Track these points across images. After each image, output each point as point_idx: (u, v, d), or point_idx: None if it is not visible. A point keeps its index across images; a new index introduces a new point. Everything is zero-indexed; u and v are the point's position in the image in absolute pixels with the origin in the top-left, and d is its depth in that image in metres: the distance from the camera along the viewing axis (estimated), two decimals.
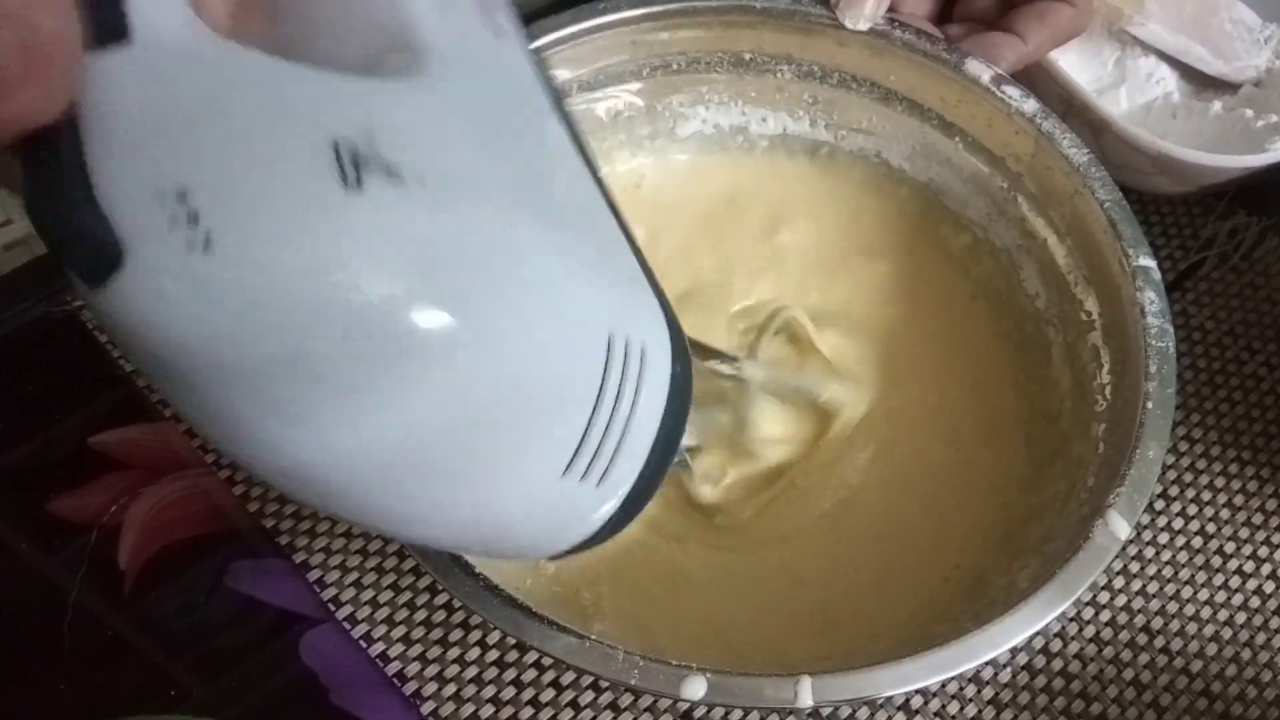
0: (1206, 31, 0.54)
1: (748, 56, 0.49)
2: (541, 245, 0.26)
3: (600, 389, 0.27)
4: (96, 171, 0.21)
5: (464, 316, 0.24)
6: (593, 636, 0.33)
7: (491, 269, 0.24)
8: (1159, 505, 0.47)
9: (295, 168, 0.22)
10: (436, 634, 0.42)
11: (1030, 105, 0.45)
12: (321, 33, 0.26)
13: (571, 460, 0.28)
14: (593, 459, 0.28)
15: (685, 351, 0.31)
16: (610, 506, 0.30)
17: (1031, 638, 0.43)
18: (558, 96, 0.31)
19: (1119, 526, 0.36)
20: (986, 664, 0.42)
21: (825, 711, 0.42)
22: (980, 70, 0.45)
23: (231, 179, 0.22)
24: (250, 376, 0.23)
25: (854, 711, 0.42)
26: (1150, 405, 0.38)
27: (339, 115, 0.23)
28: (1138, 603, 0.45)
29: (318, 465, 0.25)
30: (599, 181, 0.31)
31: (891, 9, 0.46)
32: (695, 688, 0.32)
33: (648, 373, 0.29)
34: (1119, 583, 0.45)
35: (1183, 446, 0.49)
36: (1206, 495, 0.48)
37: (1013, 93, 0.45)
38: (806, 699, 0.32)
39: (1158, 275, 0.41)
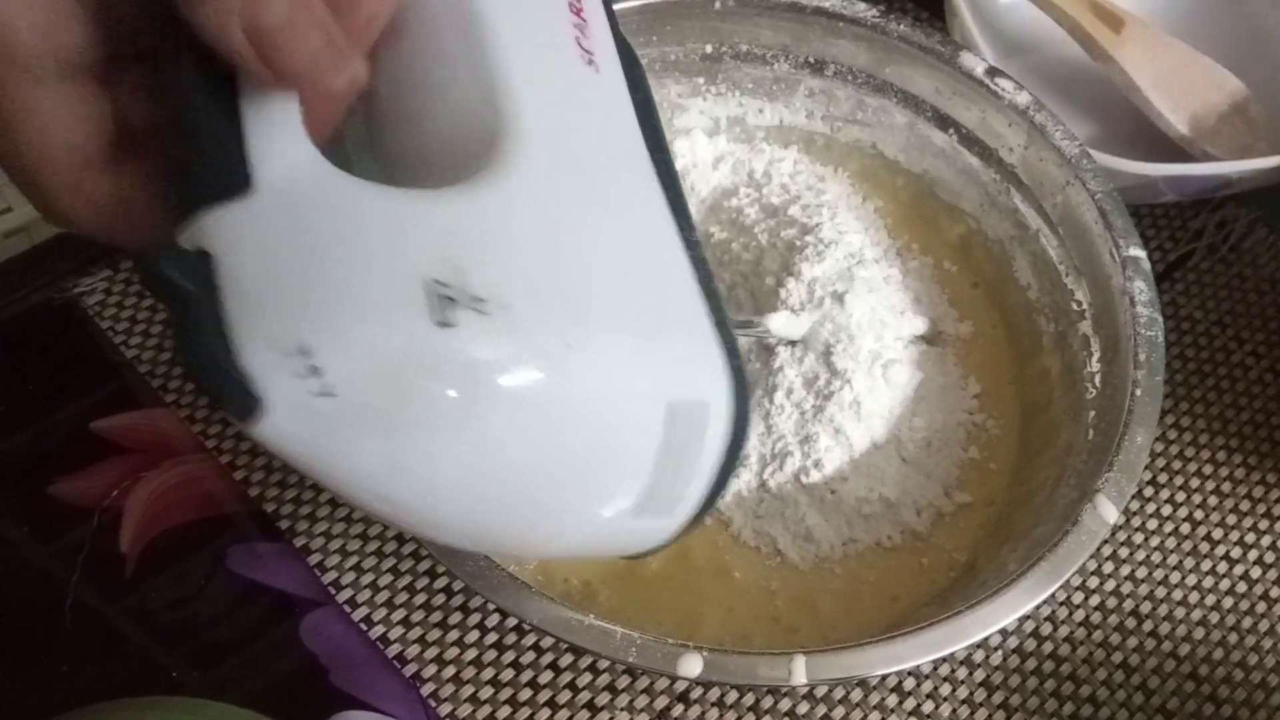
0: (1183, 98, 0.54)
1: (744, 48, 0.49)
2: (604, 340, 0.29)
3: (662, 449, 0.30)
4: (234, 332, 0.25)
5: (523, 412, 0.27)
6: (591, 618, 0.33)
7: (556, 366, 0.27)
8: (1148, 492, 0.48)
9: (396, 316, 0.26)
10: (436, 617, 0.43)
11: (1023, 98, 0.45)
12: (416, 114, 0.31)
13: (638, 505, 0.31)
14: (659, 499, 0.31)
15: (745, 385, 0.33)
16: (678, 525, 0.33)
17: (1022, 620, 0.44)
18: (649, 109, 0.34)
19: (1107, 511, 0.36)
20: (977, 646, 0.43)
21: (819, 693, 0.42)
22: (974, 63, 0.46)
23: (343, 332, 0.25)
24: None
25: (848, 693, 0.42)
26: (1139, 393, 0.38)
27: (432, 252, 0.26)
28: (1126, 587, 0.46)
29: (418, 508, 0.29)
30: (676, 201, 0.33)
31: None
32: (692, 665, 0.33)
33: (708, 425, 0.31)
34: (1108, 568, 0.46)
35: (1171, 434, 0.49)
36: (1195, 482, 0.48)
37: (1005, 85, 0.45)
38: (800, 676, 0.33)
39: (1147, 265, 0.42)
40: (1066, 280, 0.45)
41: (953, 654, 0.42)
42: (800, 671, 0.33)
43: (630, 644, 0.33)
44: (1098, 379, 0.42)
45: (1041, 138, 0.44)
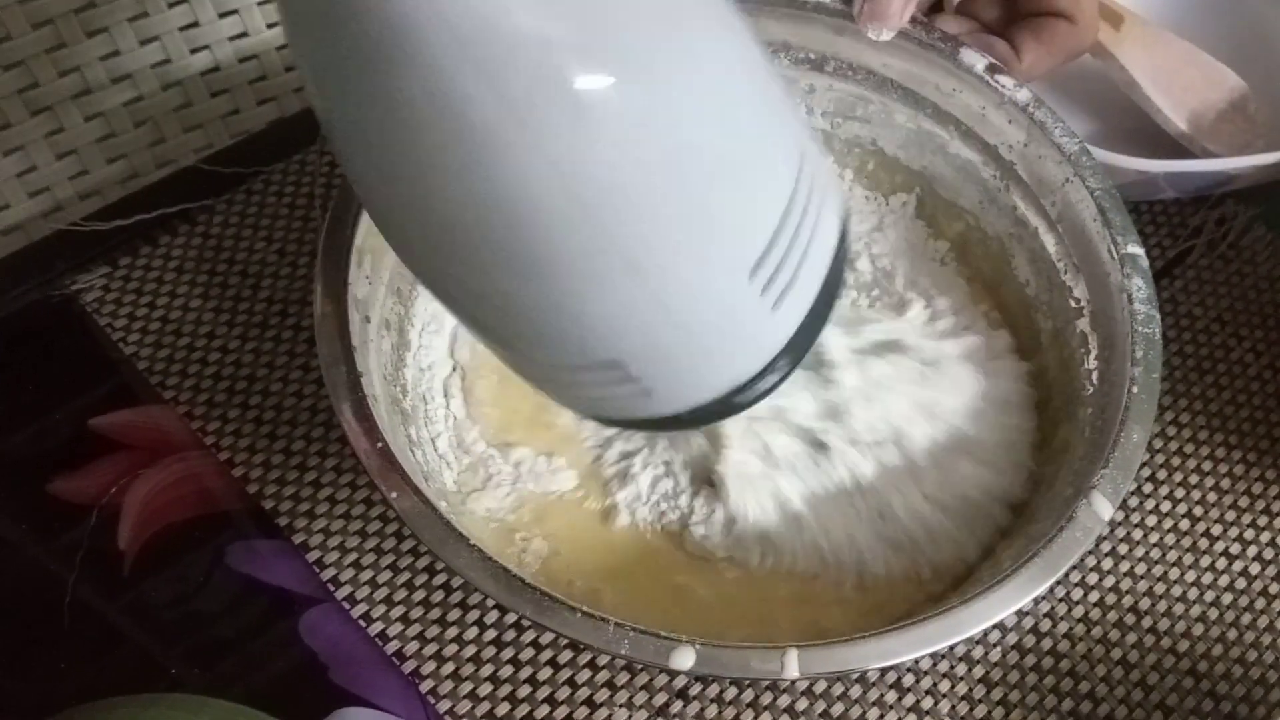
0: (1182, 95, 0.54)
1: None
2: (731, 27, 0.27)
3: (791, 197, 0.29)
4: None
5: (632, 75, 0.25)
6: (584, 608, 0.33)
7: (669, 28, 0.26)
8: (1147, 489, 0.48)
9: None
10: (435, 614, 0.43)
11: (1023, 95, 0.45)
12: None
13: (759, 262, 0.29)
14: (776, 271, 0.29)
15: (845, 215, 0.32)
16: (783, 333, 0.31)
17: (1021, 616, 0.44)
18: None
19: (1102, 507, 0.36)
20: (975, 643, 0.43)
21: (818, 689, 0.42)
22: (974, 59, 0.46)
23: None
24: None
25: (846, 689, 0.42)
26: (1136, 390, 0.38)
27: None
28: (1126, 584, 0.45)
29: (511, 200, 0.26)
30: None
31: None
32: (684, 658, 0.32)
33: (824, 209, 0.30)
34: (1107, 564, 0.46)
35: (1170, 431, 0.49)
36: (1194, 479, 0.48)
37: (1006, 82, 0.45)
38: (793, 670, 0.32)
39: (1145, 262, 0.41)
40: (1065, 277, 0.45)
41: (951, 650, 0.42)
42: (793, 665, 0.32)
43: (623, 636, 0.33)
44: (1095, 376, 0.42)
45: (1041, 134, 0.44)
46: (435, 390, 0.45)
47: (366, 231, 0.40)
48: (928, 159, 0.50)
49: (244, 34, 0.54)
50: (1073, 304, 0.44)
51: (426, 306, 0.46)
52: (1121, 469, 0.37)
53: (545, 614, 0.33)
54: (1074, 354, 0.44)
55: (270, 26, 0.54)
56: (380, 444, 0.35)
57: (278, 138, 0.55)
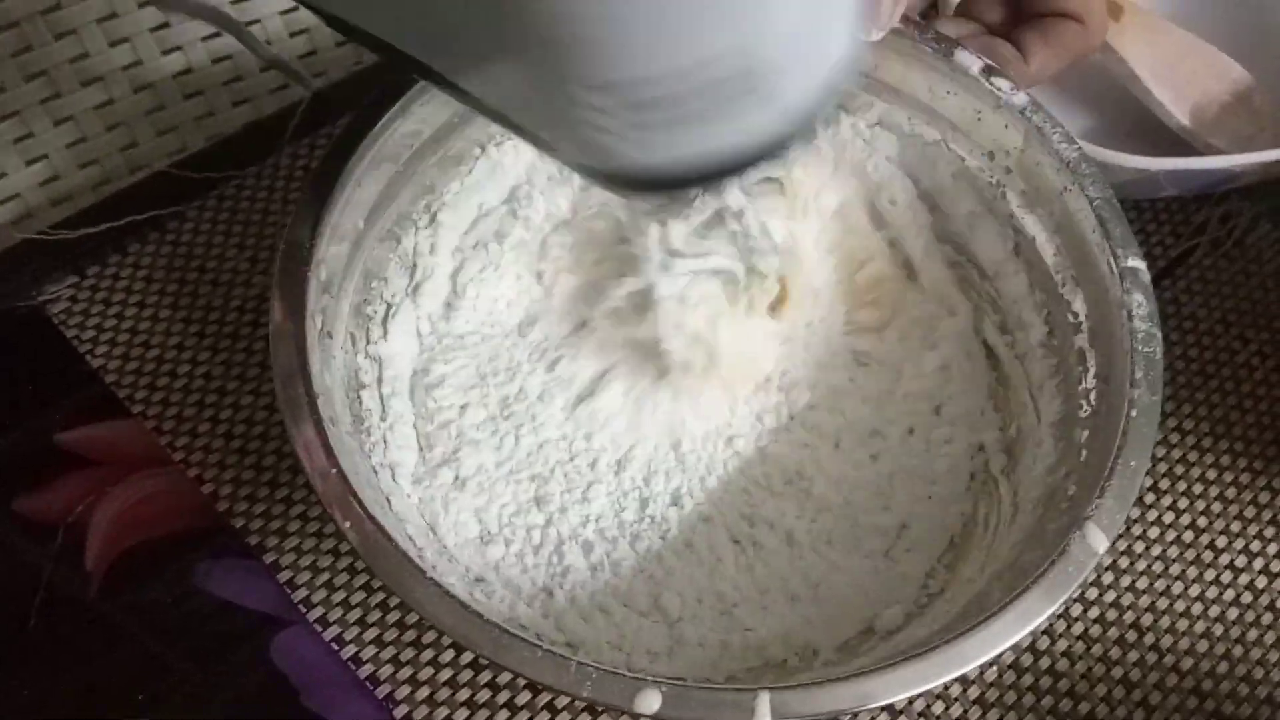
0: (1184, 87, 0.53)
1: None
2: None
3: None
4: None
5: None
6: (545, 646, 0.32)
7: None
8: (1149, 499, 0.47)
9: None
10: (409, 636, 0.42)
11: (1020, 98, 0.43)
12: None
13: None
14: None
15: None
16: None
17: (1003, 653, 0.42)
18: None
19: (1097, 540, 0.34)
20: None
21: None
22: (970, 61, 0.44)
23: None
24: None
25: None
26: (1134, 414, 0.36)
27: None
28: (1127, 599, 0.44)
29: None
30: None
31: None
32: (650, 701, 0.31)
33: None
34: (1108, 579, 0.45)
35: (1173, 438, 0.48)
36: (1198, 488, 0.47)
37: (1002, 84, 0.43)
38: (765, 715, 0.31)
39: (1147, 277, 0.39)
40: (1063, 291, 0.43)
41: None
42: (764, 710, 0.31)
43: (585, 678, 0.31)
44: (1093, 396, 0.40)
45: (1039, 140, 0.42)
46: (402, 410, 0.43)
47: (329, 240, 0.39)
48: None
49: (217, 34, 0.52)
50: (1071, 318, 0.42)
51: (390, 323, 0.44)
52: (1118, 499, 0.35)
53: (503, 653, 0.32)
54: (1071, 372, 0.42)
55: (247, 25, 0.53)
56: (335, 469, 0.34)
57: (253, 141, 0.53)
